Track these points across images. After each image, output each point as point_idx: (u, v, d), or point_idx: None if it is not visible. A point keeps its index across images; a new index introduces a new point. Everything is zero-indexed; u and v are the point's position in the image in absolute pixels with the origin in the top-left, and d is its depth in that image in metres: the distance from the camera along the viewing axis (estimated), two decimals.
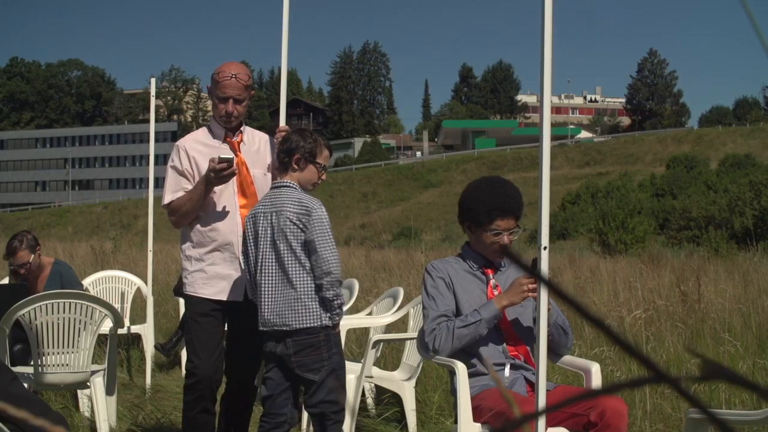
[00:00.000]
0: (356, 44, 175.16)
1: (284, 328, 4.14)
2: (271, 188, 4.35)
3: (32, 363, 5.36)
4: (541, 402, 3.20)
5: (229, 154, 4.40)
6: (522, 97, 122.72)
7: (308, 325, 4.11)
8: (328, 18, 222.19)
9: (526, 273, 3.99)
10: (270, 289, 4.17)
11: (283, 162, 4.32)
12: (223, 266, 4.49)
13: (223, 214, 4.49)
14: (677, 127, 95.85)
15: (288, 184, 4.25)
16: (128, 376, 7.97)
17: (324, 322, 4.13)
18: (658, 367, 0.54)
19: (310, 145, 4.32)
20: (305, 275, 4.12)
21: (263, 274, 4.18)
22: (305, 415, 5.63)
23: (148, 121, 7.94)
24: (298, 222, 4.11)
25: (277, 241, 4.13)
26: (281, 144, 4.38)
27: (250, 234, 4.26)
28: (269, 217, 4.16)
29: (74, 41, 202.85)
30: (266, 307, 4.18)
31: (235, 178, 4.48)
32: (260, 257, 4.19)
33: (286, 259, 4.11)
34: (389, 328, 6.73)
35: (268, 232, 4.17)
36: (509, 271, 4.17)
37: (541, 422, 3.11)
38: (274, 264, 4.15)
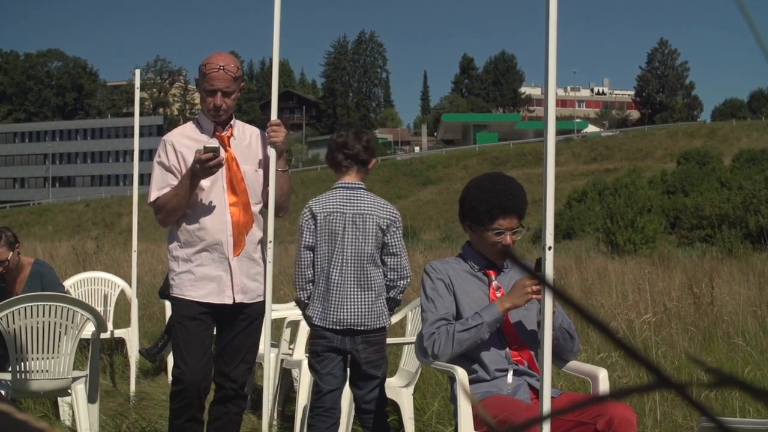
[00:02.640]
0: (351, 34, 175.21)
1: (360, 328, 4.40)
2: (343, 188, 4.50)
3: (10, 369, 5.35)
4: (546, 410, 3.20)
5: (215, 144, 4.40)
6: (526, 90, 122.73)
7: (381, 325, 4.45)
8: (322, 6, 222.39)
9: (529, 275, 4.00)
10: (346, 288, 4.40)
11: (363, 162, 4.58)
12: (212, 267, 4.49)
13: (212, 213, 4.49)
14: (689, 121, 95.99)
15: (363, 186, 4.55)
16: (111, 383, 7.96)
17: (389, 321, 4.52)
18: (664, 373, 0.54)
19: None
20: (380, 278, 4.46)
21: (340, 273, 4.40)
22: (298, 414, 5.63)
23: (132, 114, 7.92)
24: (384, 227, 4.46)
25: (362, 244, 4.41)
26: (359, 141, 4.59)
27: (323, 230, 4.44)
28: (352, 218, 4.41)
29: (54, 30, 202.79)
30: (340, 305, 4.39)
31: (224, 174, 4.48)
32: (336, 256, 4.41)
33: (367, 261, 4.40)
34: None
35: (350, 232, 4.42)
36: (512, 272, 4.16)
37: (546, 430, 3.11)
38: (353, 264, 4.39)
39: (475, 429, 3.76)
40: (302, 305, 4.54)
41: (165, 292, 8.65)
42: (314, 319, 4.44)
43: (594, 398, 3.92)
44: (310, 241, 4.46)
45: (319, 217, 4.43)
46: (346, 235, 4.40)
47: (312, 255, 4.46)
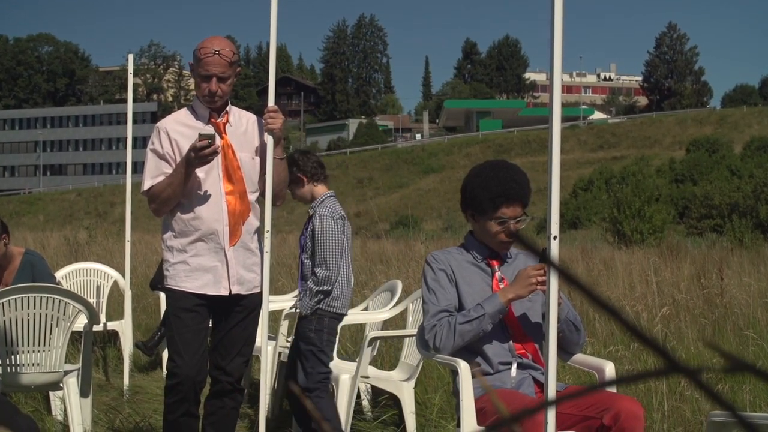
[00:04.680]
0: (351, 18, 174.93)
1: None
2: (334, 197, 5.36)
3: (0, 363, 5.35)
4: (551, 399, 3.20)
5: (211, 131, 4.39)
6: (530, 75, 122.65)
7: None
8: None
9: (537, 258, 3.99)
10: (352, 277, 5.52)
11: (326, 175, 5.47)
12: (208, 257, 4.48)
13: (208, 201, 4.48)
14: (698, 108, 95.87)
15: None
16: (104, 377, 7.97)
17: None
18: (675, 359, 0.54)
19: None
20: None
21: (351, 266, 5.38)
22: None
23: (125, 100, 7.92)
24: None
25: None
26: (313, 159, 5.48)
27: (347, 236, 5.30)
28: (347, 219, 5.36)
29: (44, 14, 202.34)
30: (350, 292, 5.43)
31: (220, 162, 4.48)
32: (349, 252, 5.33)
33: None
34: (387, 324, 6.74)
35: (349, 230, 5.36)
36: (516, 262, 4.16)
37: (551, 425, 3.11)
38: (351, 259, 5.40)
39: (478, 423, 3.76)
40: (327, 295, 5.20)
41: (156, 283, 8.65)
42: (343, 309, 5.24)
43: (604, 383, 3.93)
44: (344, 244, 5.23)
45: (343, 225, 5.25)
46: (348, 233, 5.33)
47: (347, 261, 5.31)
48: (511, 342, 3.95)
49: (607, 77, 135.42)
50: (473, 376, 3.89)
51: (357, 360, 5.59)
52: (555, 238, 3.15)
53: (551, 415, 3.11)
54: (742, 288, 9.12)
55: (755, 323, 7.55)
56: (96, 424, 5.97)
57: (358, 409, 5.82)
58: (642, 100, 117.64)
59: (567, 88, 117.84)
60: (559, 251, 3.18)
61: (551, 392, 3.20)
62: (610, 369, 3.99)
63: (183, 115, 4.69)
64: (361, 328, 7.47)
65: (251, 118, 4.78)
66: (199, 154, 4.27)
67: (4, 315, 5.19)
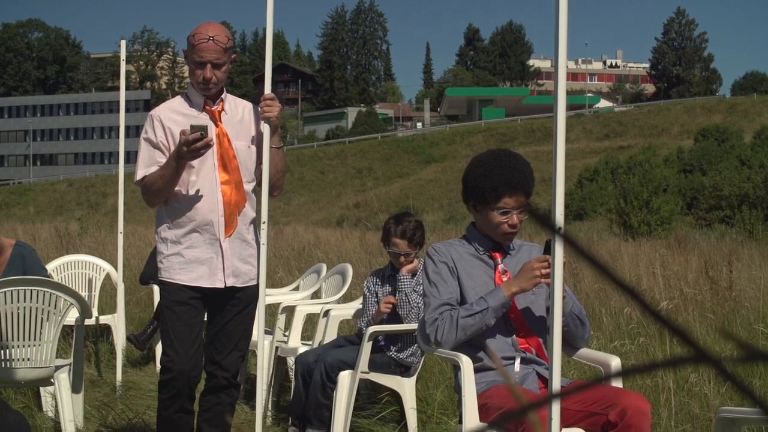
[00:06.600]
0: (350, 3, 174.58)
1: None
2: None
3: None
4: (555, 391, 3.20)
5: (203, 122, 4.37)
6: (534, 62, 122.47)
7: None
8: None
9: (548, 230, 3.99)
10: None
11: None
12: (203, 249, 4.48)
13: (202, 192, 4.47)
14: (707, 96, 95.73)
15: None
16: (96, 372, 7.97)
17: None
18: (697, 344, 0.54)
19: None
20: None
21: None
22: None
23: (117, 88, 7.92)
24: None
25: None
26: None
27: None
28: None
29: None
30: None
31: (215, 151, 4.47)
32: None
33: None
34: None
35: None
36: (519, 254, 4.15)
37: (555, 422, 3.11)
38: None
39: (481, 420, 3.76)
40: None
41: (146, 278, 8.66)
42: None
43: (617, 373, 3.91)
44: None
45: None
46: None
47: None
48: (514, 336, 3.95)
49: (614, 64, 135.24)
50: (491, 369, 3.89)
51: (357, 355, 5.59)
52: (560, 229, 3.15)
53: (556, 409, 3.11)
54: (752, 281, 9.12)
55: (765, 317, 7.55)
56: (88, 421, 5.98)
57: (357, 406, 5.81)
58: (649, 88, 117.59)
59: (572, 76, 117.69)
60: (564, 244, 3.18)
61: (556, 387, 3.20)
62: (616, 364, 3.99)
63: (177, 103, 4.68)
64: None
65: (247, 106, 4.77)
66: (192, 148, 4.25)
67: None
